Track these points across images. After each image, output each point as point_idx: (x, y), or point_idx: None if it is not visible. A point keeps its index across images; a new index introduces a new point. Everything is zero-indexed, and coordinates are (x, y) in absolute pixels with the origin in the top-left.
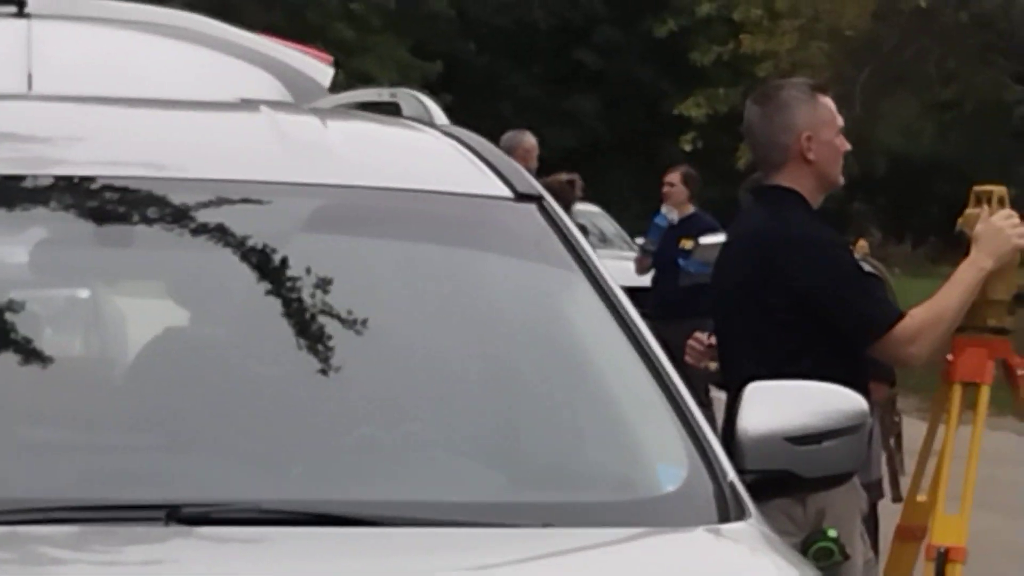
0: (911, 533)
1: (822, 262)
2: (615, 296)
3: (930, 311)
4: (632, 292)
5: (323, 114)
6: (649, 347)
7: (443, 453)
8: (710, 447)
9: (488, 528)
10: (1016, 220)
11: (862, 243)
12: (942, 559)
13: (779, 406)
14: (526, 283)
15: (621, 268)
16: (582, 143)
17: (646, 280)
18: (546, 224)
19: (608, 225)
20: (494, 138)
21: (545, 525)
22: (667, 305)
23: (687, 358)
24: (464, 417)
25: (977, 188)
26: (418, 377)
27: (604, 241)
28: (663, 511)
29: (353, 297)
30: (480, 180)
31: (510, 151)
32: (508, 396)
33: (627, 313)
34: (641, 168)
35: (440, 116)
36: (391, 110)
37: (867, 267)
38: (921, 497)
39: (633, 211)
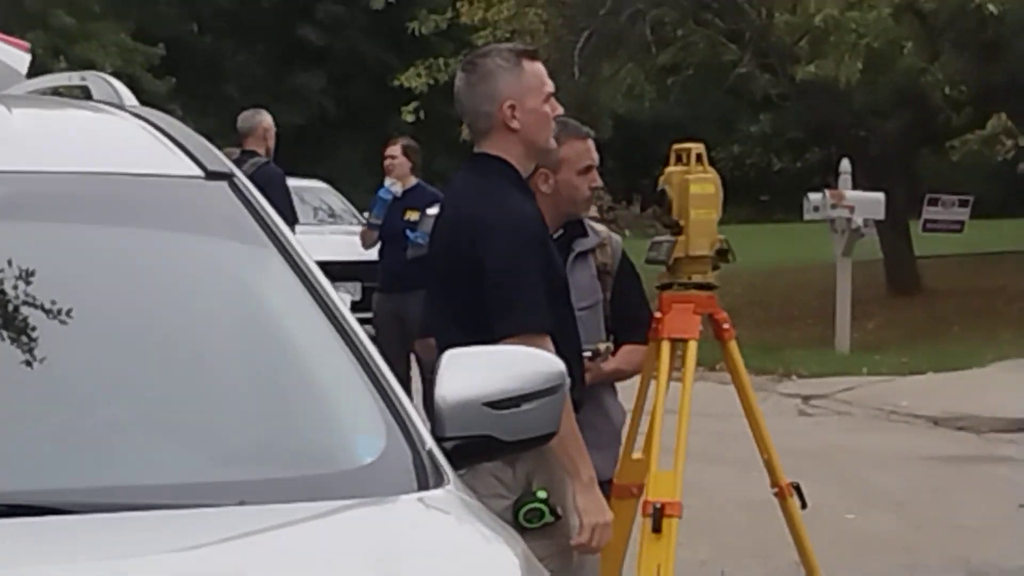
0: (627, 491)
1: (501, 239)
2: (309, 271)
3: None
4: (361, 265)
5: (7, 100)
6: (345, 321)
7: (139, 437)
8: (408, 417)
9: (183, 509)
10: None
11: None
12: (658, 514)
13: (476, 372)
14: (220, 261)
15: (349, 243)
16: (310, 120)
17: (373, 254)
18: (238, 202)
19: (336, 201)
20: (222, 118)
21: (241, 503)
22: (396, 277)
23: None
24: (160, 399)
25: (676, 146)
26: (113, 361)
27: (333, 216)
28: (361, 482)
29: (44, 283)
30: (169, 160)
31: (250, 131)
32: (204, 376)
33: (322, 288)
34: (368, 142)
35: (129, 98)
36: (82, 94)
37: (597, 229)
38: (636, 455)
39: (362, 185)
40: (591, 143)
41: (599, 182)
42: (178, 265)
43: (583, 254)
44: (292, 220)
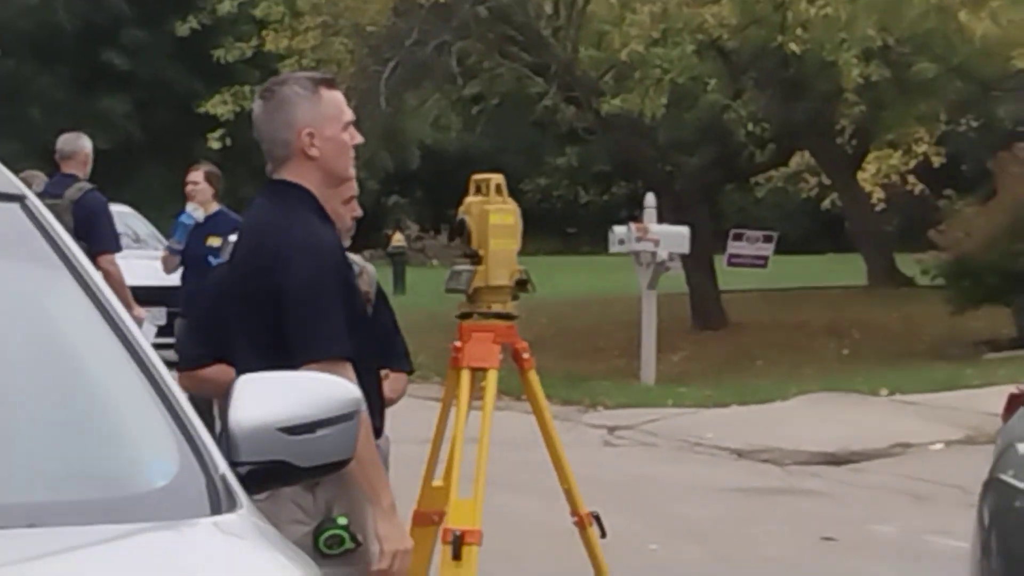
0: (428, 518)
1: (301, 266)
2: (102, 295)
3: (364, 446)
4: (167, 290)
5: None
6: (138, 344)
7: None
8: (201, 442)
9: None
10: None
11: (398, 236)
12: (458, 542)
13: (270, 397)
14: (11, 283)
15: (155, 268)
16: (114, 144)
17: (176, 279)
18: (30, 223)
19: (141, 225)
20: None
21: (30, 525)
22: (197, 303)
23: None
24: None
25: (476, 177)
26: None
27: (137, 241)
28: (152, 506)
29: None
30: None
31: (72, 155)
32: None
33: (114, 311)
34: (173, 167)
35: None
36: None
37: (353, 259)
38: (437, 482)
39: (168, 210)
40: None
41: (359, 212)
42: None
43: None
44: (116, 248)
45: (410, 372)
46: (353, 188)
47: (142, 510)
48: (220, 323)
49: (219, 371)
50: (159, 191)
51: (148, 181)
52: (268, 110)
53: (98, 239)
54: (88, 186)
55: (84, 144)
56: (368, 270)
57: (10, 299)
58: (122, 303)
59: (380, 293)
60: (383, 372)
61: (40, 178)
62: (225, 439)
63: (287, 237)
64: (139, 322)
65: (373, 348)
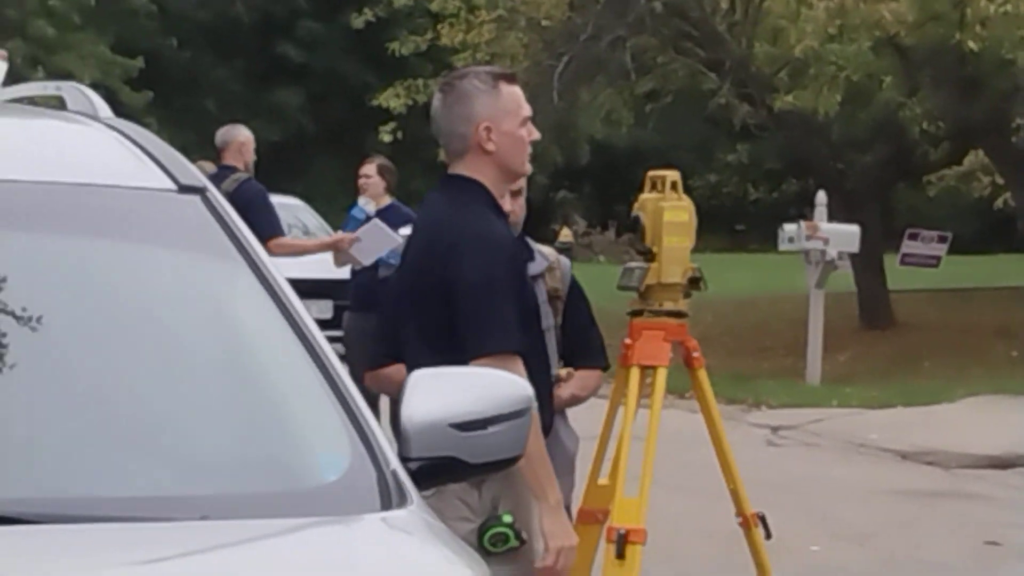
0: (592, 516)
1: (475, 260)
2: (279, 287)
3: (533, 443)
4: (333, 284)
5: None
6: (313, 338)
7: (102, 449)
8: (373, 436)
9: (144, 523)
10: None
11: (565, 231)
12: (622, 540)
13: (443, 393)
14: (189, 275)
15: (324, 260)
16: (287, 136)
17: (345, 272)
18: (210, 216)
19: (310, 218)
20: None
21: (203, 518)
22: (367, 296)
23: None
24: (125, 412)
25: (651, 173)
26: (79, 372)
27: (307, 234)
28: (324, 500)
29: (11, 293)
30: (142, 172)
31: (227, 145)
32: (170, 389)
33: (291, 304)
34: (345, 160)
35: (104, 109)
36: (57, 104)
37: (545, 252)
38: (602, 480)
39: (339, 203)
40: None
41: (521, 210)
42: (147, 278)
43: (533, 279)
44: (277, 232)
45: (605, 368)
46: (520, 183)
47: (313, 504)
48: (399, 320)
49: (399, 371)
50: (330, 184)
51: (320, 174)
52: (447, 104)
53: (260, 227)
54: (244, 176)
55: (237, 133)
56: (562, 264)
57: (189, 291)
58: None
59: (575, 288)
60: (569, 369)
61: (207, 168)
62: (397, 435)
63: (461, 232)
64: None
65: (543, 345)
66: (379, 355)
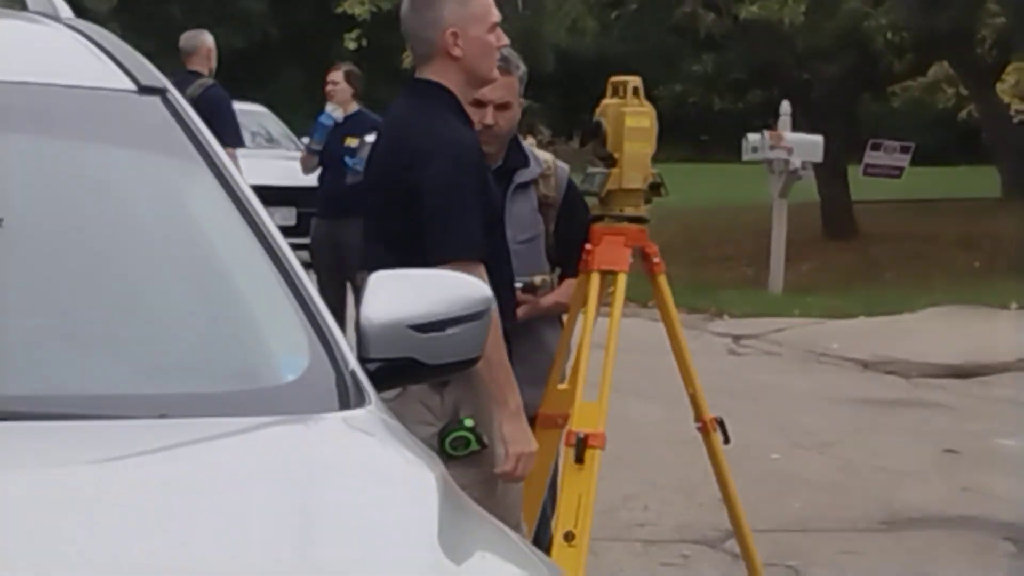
0: (552, 421)
1: (439, 165)
2: (239, 189)
3: (493, 348)
4: (297, 191)
5: None
6: (274, 240)
7: (62, 347)
8: (332, 338)
9: (104, 420)
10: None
11: (531, 140)
12: (581, 445)
13: (402, 294)
14: (149, 176)
15: (288, 167)
16: (251, 43)
17: (310, 179)
18: (170, 117)
19: (275, 125)
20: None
21: (162, 416)
22: (335, 203)
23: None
24: (85, 311)
25: (613, 79)
26: (39, 271)
27: (271, 141)
28: (283, 400)
29: None
30: (103, 73)
31: (194, 51)
32: (130, 289)
33: (252, 206)
34: (310, 68)
35: (65, 10)
36: (18, 5)
37: (541, 158)
38: (562, 385)
39: (303, 111)
40: (515, 81)
41: (489, 120)
42: (107, 177)
43: (524, 185)
44: (238, 143)
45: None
46: (512, 94)
47: (272, 403)
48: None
49: None
50: (295, 92)
51: (284, 82)
52: (415, 8)
53: (221, 133)
54: (210, 82)
55: (205, 39)
56: (558, 171)
57: (149, 191)
58: None
59: (571, 196)
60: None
61: (175, 75)
62: (356, 335)
63: (427, 135)
64: None
65: (506, 253)
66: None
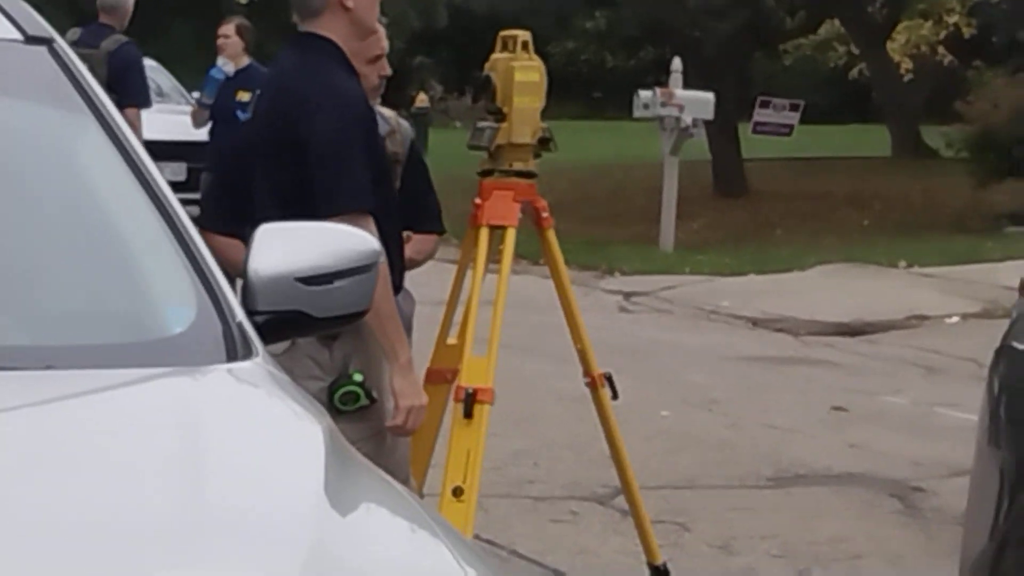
0: (441, 375)
1: (326, 117)
2: (127, 141)
3: (382, 301)
4: (187, 146)
5: None
6: (161, 193)
7: None
8: (220, 290)
9: None
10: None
11: (422, 96)
12: (470, 399)
13: (289, 246)
14: (35, 126)
15: (179, 122)
16: None
17: (199, 134)
18: (57, 67)
19: (165, 80)
20: None
21: (48, 367)
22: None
23: None
24: None
25: (503, 33)
26: None
27: (161, 95)
28: (169, 351)
29: None
30: None
31: (114, 8)
32: (13, 239)
33: (139, 158)
34: (200, 22)
35: None
36: None
37: (386, 115)
38: (451, 340)
39: (192, 65)
40: (382, 31)
41: (388, 71)
42: None
43: None
44: (145, 103)
45: (440, 233)
46: (382, 46)
47: (159, 355)
48: (241, 183)
49: (229, 244)
50: (184, 46)
51: (174, 35)
52: None
53: (129, 92)
54: (124, 39)
55: (128, 1)
56: (402, 128)
57: (35, 142)
58: None
59: (414, 153)
60: (408, 232)
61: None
62: (243, 287)
63: (312, 88)
64: None
65: (394, 205)
66: (212, 220)
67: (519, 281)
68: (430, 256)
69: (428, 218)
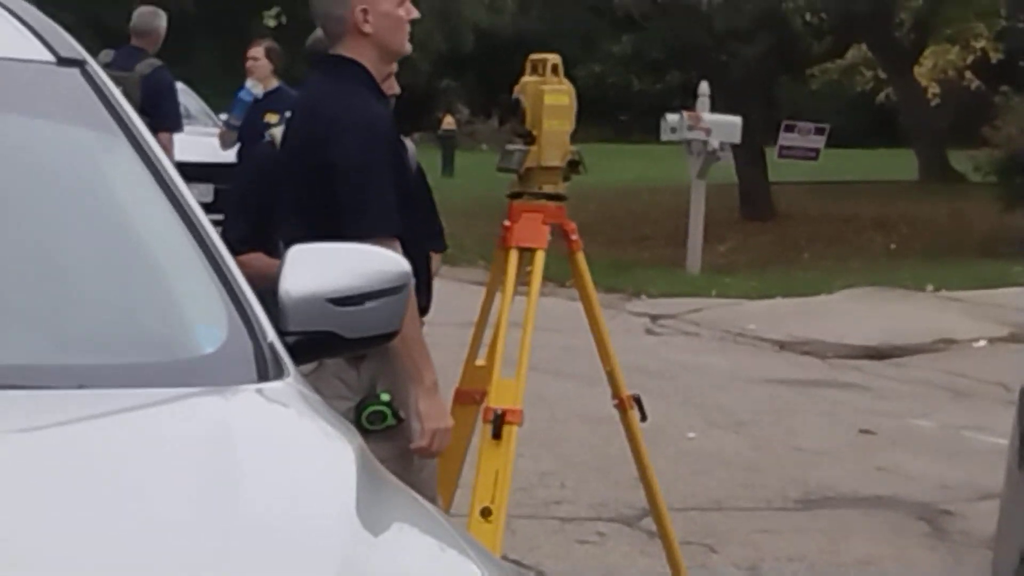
0: (470, 397)
1: (354, 141)
2: (158, 161)
3: (409, 324)
4: (214, 168)
5: None
6: (192, 212)
7: None
8: (251, 310)
9: (20, 390)
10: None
11: (448, 119)
12: (499, 421)
13: (321, 268)
14: (67, 147)
15: (206, 144)
16: (168, 19)
17: (227, 155)
18: (89, 89)
19: (192, 102)
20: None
21: (80, 387)
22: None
23: None
24: (2, 281)
25: (533, 56)
26: None
27: (188, 117)
28: (201, 371)
29: None
30: (21, 44)
31: (147, 32)
32: (46, 259)
33: (170, 178)
34: (228, 45)
35: None
36: None
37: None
38: (480, 361)
39: (220, 88)
40: None
41: (396, 89)
42: (24, 149)
43: None
44: (177, 128)
45: (442, 250)
46: (392, 65)
47: (190, 375)
48: (261, 202)
49: (253, 258)
50: (212, 68)
51: (202, 58)
52: None
53: (162, 116)
54: (158, 63)
55: (160, 23)
56: (407, 147)
57: (67, 162)
58: None
59: (418, 171)
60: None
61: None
62: (274, 308)
63: (341, 112)
64: None
65: (421, 227)
66: (234, 240)
67: (546, 302)
68: (434, 273)
69: (432, 238)
